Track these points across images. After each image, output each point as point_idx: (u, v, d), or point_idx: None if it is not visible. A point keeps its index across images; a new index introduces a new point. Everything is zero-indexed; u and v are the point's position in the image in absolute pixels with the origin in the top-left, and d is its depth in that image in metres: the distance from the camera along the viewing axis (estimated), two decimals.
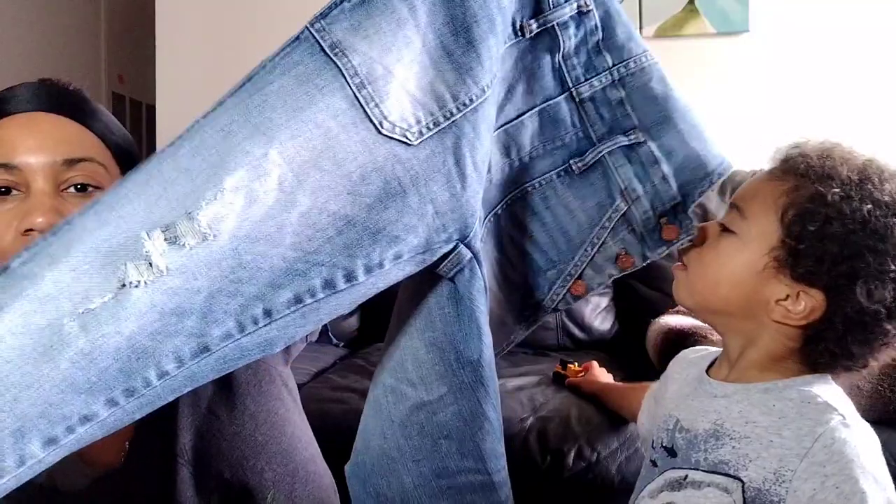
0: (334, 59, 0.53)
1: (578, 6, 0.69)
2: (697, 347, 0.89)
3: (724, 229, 0.72)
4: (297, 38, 0.54)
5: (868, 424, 0.66)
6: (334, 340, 1.88)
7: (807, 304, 0.66)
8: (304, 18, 0.56)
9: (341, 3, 0.54)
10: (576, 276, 0.77)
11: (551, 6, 0.68)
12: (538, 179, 0.75)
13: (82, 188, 0.70)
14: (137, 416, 0.50)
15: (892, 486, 0.62)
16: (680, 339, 1.40)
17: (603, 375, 1.39)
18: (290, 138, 0.51)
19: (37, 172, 0.68)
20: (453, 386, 0.66)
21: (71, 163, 0.70)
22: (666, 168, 0.73)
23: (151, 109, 2.74)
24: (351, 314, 1.93)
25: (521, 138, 0.73)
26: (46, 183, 0.69)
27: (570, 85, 0.72)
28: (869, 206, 0.64)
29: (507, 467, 0.72)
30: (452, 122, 0.57)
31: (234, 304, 0.50)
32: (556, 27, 0.69)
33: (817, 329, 0.67)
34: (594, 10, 0.70)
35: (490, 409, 0.68)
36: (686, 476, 0.70)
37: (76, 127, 0.72)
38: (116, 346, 0.47)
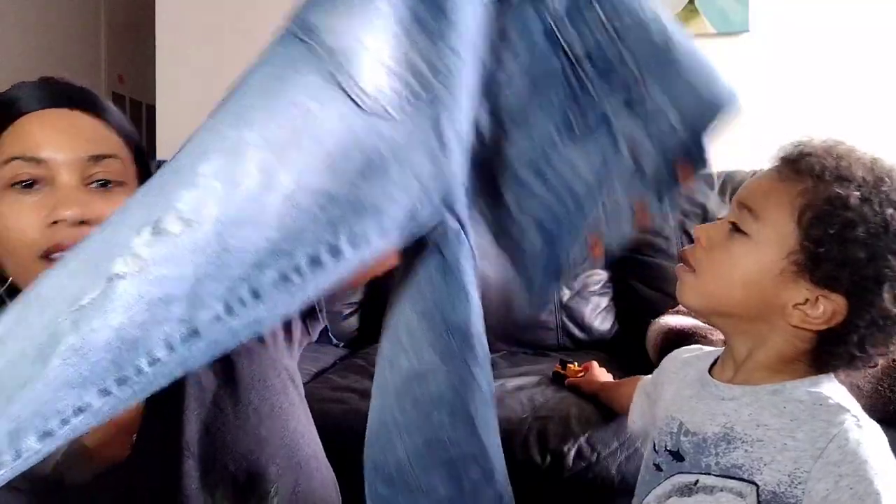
0: (308, 40, 0.53)
1: None
2: (690, 347, 0.88)
3: (735, 229, 0.70)
4: (278, 35, 0.55)
5: (876, 424, 0.66)
6: (334, 340, 1.88)
7: (826, 308, 0.65)
8: None
9: None
10: (591, 236, 0.74)
11: None
12: (538, 141, 0.72)
13: (104, 183, 0.72)
14: (132, 402, 0.51)
15: None
16: (680, 339, 1.39)
17: (603, 375, 1.39)
18: (267, 119, 0.52)
19: (63, 167, 0.71)
20: (443, 354, 0.66)
21: (97, 159, 0.72)
22: (672, 116, 0.70)
23: (151, 109, 2.74)
24: (351, 314, 1.93)
25: (514, 101, 0.71)
26: (72, 177, 0.71)
27: (562, 41, 0.69)
28: (889, 209, 0.64)
29: (500, 443, 0.72)
30: (430, 91, 0.57)
31: (221, 288, 0.51)
32: None
33: (837, 332, 0.66)
34: None
35: (481, 378, 0.68)
36: (697, 481, 0.69)
37: (97, 123, 0.74)
38: (106, 339, 0.47)
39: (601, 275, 1.89)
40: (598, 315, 1.85)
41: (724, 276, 0.70)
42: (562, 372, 1.48)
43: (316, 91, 0.53)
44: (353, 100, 0.54)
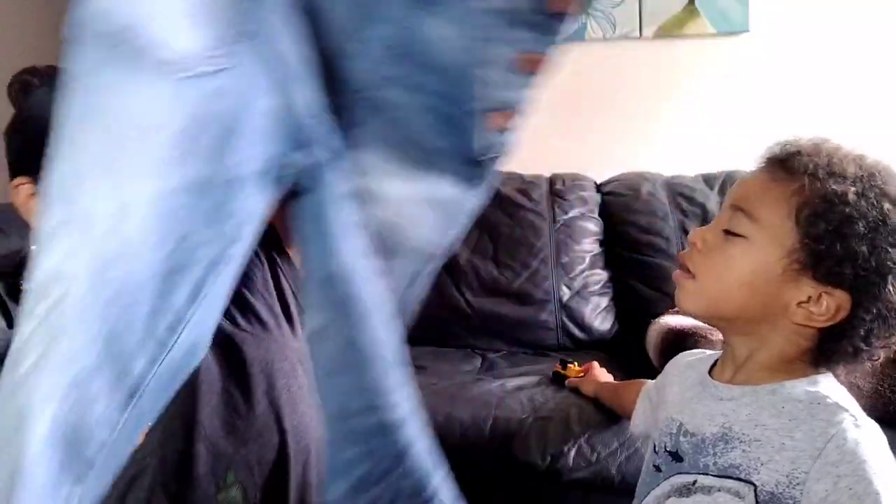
0: (86, 36, 0.47)
1: None
2: (694, 350, 0.88)
3: (730, 233, 0.70)
4: (64, 51, 0.48)
5: (874, 422, 0.66)
6: None
7: (830, 304, 0.66)
8: None
9: None
10: (488, 108, 0.63)
11: None
12: (390, 25, 0.60)
13: None
14: (107, 482, 0.47)
15: None
16: (680, 339, 1.39)
17: (603, 376, 1.39)
18: (87, 135, 0.46)
19: None
20: (328, 308, 0.59)
21: None
22: None
23: None
24: None
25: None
26: None
27: None
28: (886, 203, 0.65)
29: (410, 401, 0.63)
30: (246, 31, 0.50)
31: (136, 334, 0.46)
32: None
33: (840, 328, 0.66)
34: None
35: (374, 331, 0.59)
36: (695, 481, 0.69)
37: None
38: (40, 449, 0.42)
39: (601, 275, 1.89)
40: (598, 315, 1.85)
41: (725, 280, 0.70)
42: (562, 372, 1.48)
43: (125, 83, 0.46)
44: (166, 72, 0.46)
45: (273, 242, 0.86)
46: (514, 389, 1.46)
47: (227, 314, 0.81)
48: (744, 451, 0.67)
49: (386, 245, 0.64)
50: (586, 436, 1.29)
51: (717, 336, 1.30)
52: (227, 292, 0.52)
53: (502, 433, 1.31)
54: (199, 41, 0.47)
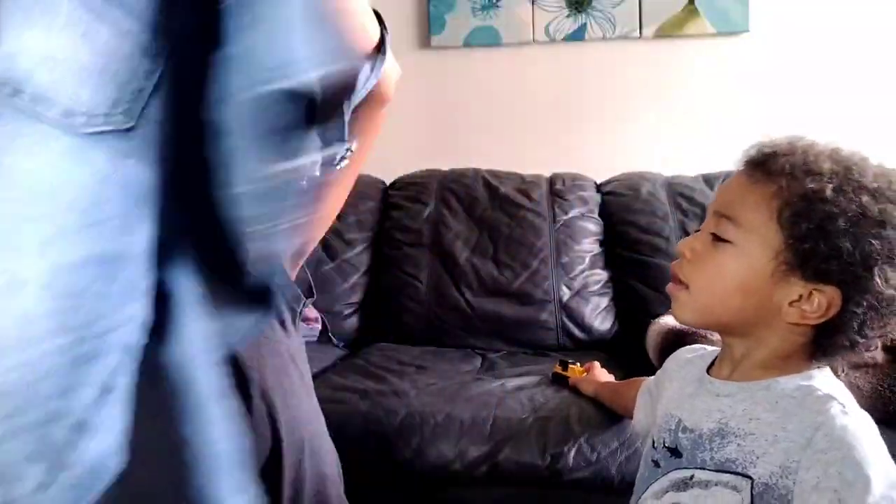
0: None
1: None
2: (694, 346, 0.89)
3: (717, 239, 0.71)
4: None
5: (866, 413, 0.66)
6: (334, 340, 1.88)
7: (821, 301, 0.66)
8: None
9: None
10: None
11: None
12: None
13: None
14: None
15: (894, 468, 0.62)
16: (680, 339, 1.39)
17: (604, 376, 1.39)
18: None
19: None
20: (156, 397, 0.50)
21: None
22: None
23: None
24: (351, 314, 1.93)
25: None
26: None
27: None
28: (864, 196, 0.65)
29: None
30: (158, 77, 0.43)
31: (30, 445, 0.39)
32: None
33: (834, 322, 0.67)
34: None
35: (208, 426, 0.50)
36: (692, 476, 0.70)
37: None
38: None
39: (601, 275, 1.89)
40: (598, 315, 1.85)
41: (717, 287, 0.71)
42: (562, 373, 1.48)
43: (12, 143, 0.39)
44: (74, 132, 0.40)
45: None
46: (514, 389, 1.46)
47: None
48: (739, 445, 0.68)
49: None
50: (586, 436, 1.29)
51: (717, 336, 1.31)
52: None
53: (502, 433, 1.31)
54: (103, 99, 0.41)
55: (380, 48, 0.69)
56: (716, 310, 0.72)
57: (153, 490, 0.47)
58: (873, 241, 0.64)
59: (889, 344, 1.24)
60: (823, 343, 0.69)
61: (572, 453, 1.28)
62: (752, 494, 0.65)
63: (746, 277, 0.69)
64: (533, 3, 2.18)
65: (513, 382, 1.50)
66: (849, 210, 0.65)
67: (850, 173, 0.67)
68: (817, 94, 2.07)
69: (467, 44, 2.23)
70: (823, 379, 0.69)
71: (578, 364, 1.48)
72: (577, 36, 2.18)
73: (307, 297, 0.93)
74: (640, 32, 2.14)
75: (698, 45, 2.14)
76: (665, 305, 1.64)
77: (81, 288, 0.40)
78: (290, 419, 0.85)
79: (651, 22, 2.13)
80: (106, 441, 0.42)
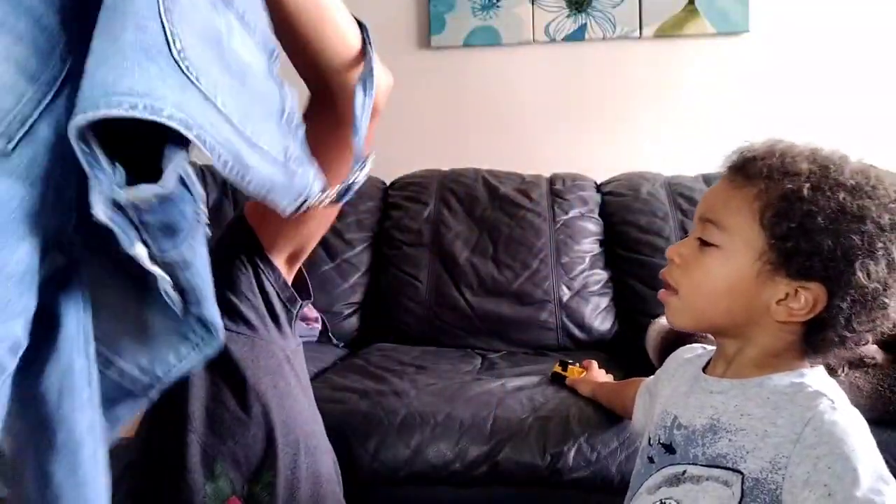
0: None
1: None
2: (693, 346, 0.90)
3: (704, 244, 0.73)
4: None
5: (856, 410, 0.67)
6: (334, 340, 1.88)
7: (807, 298, 0.68)
8: None
9: None
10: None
11: None
12: None
13: None
14: None
15: (882, 462, 0.63)
16: (680, 339, 1.39)
17: (602, 377, 1.40)
18: None
19: None
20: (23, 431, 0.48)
21: None
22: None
23: None
24: (351, 314, 1.93)
25: None
26: None
27: None
28: (841, 193, 0.66)
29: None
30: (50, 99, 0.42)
31: None
32: None
33: (823, 318, 0.68)
34: None
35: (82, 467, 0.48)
36: (685, 471, 0.71)
37: None
38: None
39: (601, 275, 1.89)
40: (598, 315, 1.85)
41: (707, 291, 0.72)
42: (561, 373, 1.48)
43: None
44: None
45: (255, 249, 0.88)
46: (514, 389, 1.46)
47: None
48: (730, 440, 0.69)
49: None
50: (586, 436, 1.29)
51: None
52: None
53: (502, 433, 1.31)
54: None
55: (363, 57, 0.68)
56: (706, 313, 0.74)
57: None
58: (853, 237, 0.65)
59: (881, 339, 1.24)
60: (814, 339, 0.70)
61: (572, 453, 1.28)
62: (742, 489, 0.66)
63: (733, 279, 0.70)
64: (533, 3, 2.18)
65: (513, 382, 1.50)
66: (827, 208, 0.66)
67: (827, 172, 0.68)
68: (817, 94, 2.07)
69: (467, 44, 2.23)
70: (815, 376, 0.70)
71: (577, 364, 1.48)
72: (577, 36, 2.18)
73: (305, 299, 0.93)
74: (640, 32, 2.14)
75: (698, 45, 2.14)
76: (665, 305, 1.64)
77: None
78: (285, 420, 0.85)
79: (651, 22, 2.13)
80: None
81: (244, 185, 0.47)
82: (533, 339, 1.83)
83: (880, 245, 0.66)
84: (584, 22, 2.17)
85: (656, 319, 1.56)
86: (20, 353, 0.42)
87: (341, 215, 1.90)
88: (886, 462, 0.64)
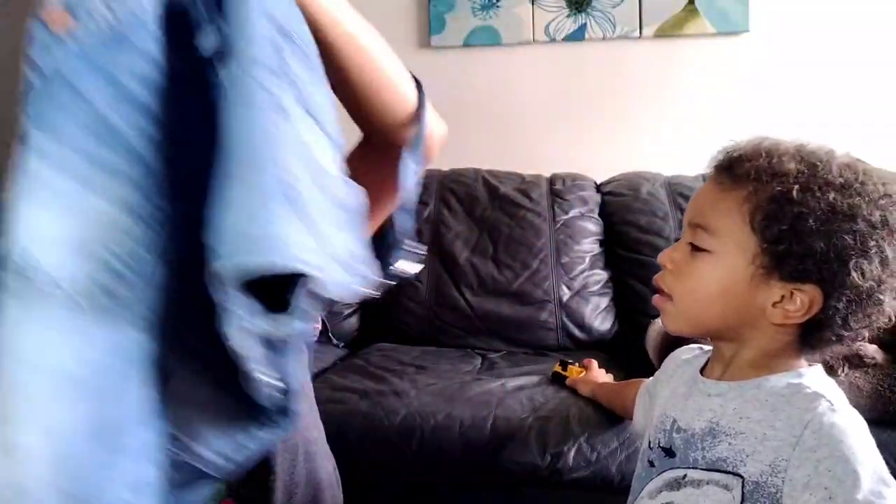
0: None
1: None
2: (691, 346, 0.89)
3: (695, 249, 0.72)
4: None
5: (856, 411, 0.67)
6: (334, 340, 1.88)
7: (803, 300, 0.67)
8: None
9: None
10: None
11: None
12: None
13: None
14: None
15: (883, 463, 0.63)
16: (679, 340, 1.39)
17: (601, 376, 1.40)
18: None
19: None
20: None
21: None
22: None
23: None
24: (351, 314, 1.93)
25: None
26: None
27: None
28: (831, 193, 0.66)
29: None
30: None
31: None
32: None
33: (819, 319, 0.68)
34: None
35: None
36: (685, 475, 0.71)
37: None
38: None
39: (601, 275, 1.89)
40: (598, 315, 1.85)
41: (701, 296, 0.72)
42: (562, 373, 1.48)
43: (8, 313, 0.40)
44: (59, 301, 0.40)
45: None
46: (514, 389, 1.46)
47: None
48: (730, 444, 0.68)
49: None
50: (586, 436, 1.29)
51: None
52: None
53: (502, 433, 1.31)
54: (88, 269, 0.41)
55: (418, 118, 0.65)
56: (701, 317, 0.73)
57: None
58: (845, 237, 0.65)
59: (881, 339, 1.24)
60: (810, 339, 0.70)
61: (572, 453, 1.28)
62: (743, 493, 0.65)
63: (727, 284, 0.70)
64: (533, 3, 2.18)
65: (513, 382, 1.50)
66: (818, 209, 0.65)
67: (815, 170, 0.67)
68: (817, 94, 2.07)
69: (467, 44, 2.23)
70: (813, 377, 0.70)
71: (577, 364, 1.48)
72: (577, 36, 2.18)
73: None
74: (640, 32, 2.14)
75: (698, 45, 2.14)
76: None
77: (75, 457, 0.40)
78: None
79: (651, 22, 2.13)
80: None
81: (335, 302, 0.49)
82: (533, 339, 1.83)
83: (873, 243, 0.65)
84: (584, 22, 2.17)
85: (656, 319, 1.56)
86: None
87: None
88: (886, 462, 0.64)
